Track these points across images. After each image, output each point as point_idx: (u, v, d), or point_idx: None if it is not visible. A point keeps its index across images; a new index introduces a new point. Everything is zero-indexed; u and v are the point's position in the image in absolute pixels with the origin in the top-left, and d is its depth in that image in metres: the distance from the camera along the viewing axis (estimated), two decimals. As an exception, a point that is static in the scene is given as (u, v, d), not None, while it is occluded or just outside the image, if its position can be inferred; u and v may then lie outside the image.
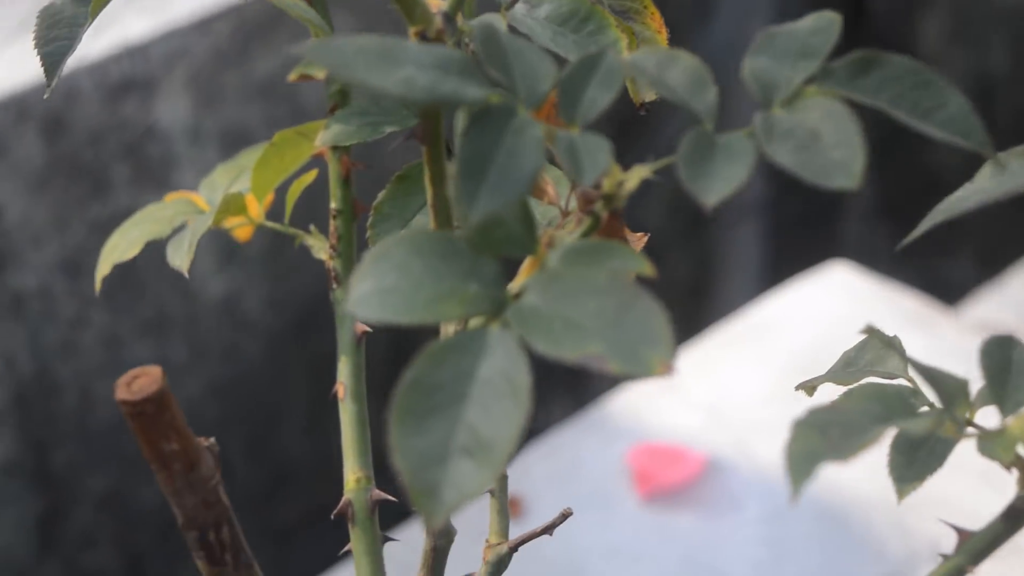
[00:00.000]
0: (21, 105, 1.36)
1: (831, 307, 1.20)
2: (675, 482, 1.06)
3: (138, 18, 1.41)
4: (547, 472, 1.09)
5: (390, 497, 0.58)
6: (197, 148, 1.44)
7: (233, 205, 0.63)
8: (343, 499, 0.58)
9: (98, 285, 0.65)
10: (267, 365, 1.59)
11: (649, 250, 0.48)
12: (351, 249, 0.61)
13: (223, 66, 1.45)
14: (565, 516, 0.55)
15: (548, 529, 0.55)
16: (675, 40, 0.53)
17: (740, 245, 1.91)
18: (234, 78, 1.46)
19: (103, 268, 0.65)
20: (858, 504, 1.04)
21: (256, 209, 0.64)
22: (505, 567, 0.56)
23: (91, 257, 1.43)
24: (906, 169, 1.92)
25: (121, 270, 1.56)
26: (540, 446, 1.12)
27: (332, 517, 0.58)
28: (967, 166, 0.53)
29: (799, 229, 1.94)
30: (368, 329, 0.60)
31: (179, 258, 0.62)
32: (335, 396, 0.61)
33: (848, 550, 1.01)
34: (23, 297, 1.41)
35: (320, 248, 0.62)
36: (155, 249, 1.58)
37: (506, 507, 0.56)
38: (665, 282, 1.93)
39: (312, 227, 0.63)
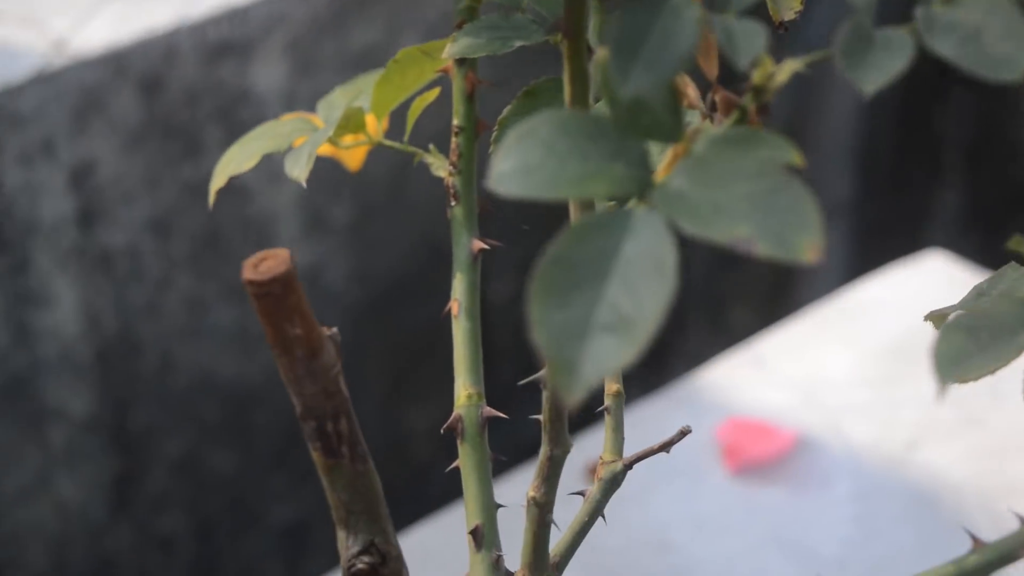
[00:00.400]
0: (120, 63, 1.37)
1: (926, 293, 1.18)
2: (764, 457, 1.05)
3: (240, -20, 1.42)
4: (636, 443, 1.08)
5: (501, 414, 0.57)
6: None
7: (353, 121, 0.63)
8: (453, 414, 0.57)
9: (212, 198, 0.64)
10: (345, 340, 1.58)
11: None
12: (471, 167, 0.60)
13: (320, 34, 1.45)
14: (684, 433, 0.54)
15: (666, 446, 0.54)
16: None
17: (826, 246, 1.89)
18: (330, 47, 1.46)
19: (218, 180, 0.64)
20: (950, 487, 1.03)
21: (375, 128, 0.64)
22: (618, 485, 0.56)
23: (180, 218, 1.43)
24: (993, 180, 1.90)
25: (208, 234, 1.55)
26: (629, 416, 1.10)
27: (442, 431, 0.57)
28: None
29: (885, 234, 1.93)
30: (484, 247, 0.60)
31: (297, 169, 0.61)
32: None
33: (937, 533, 1.00)
34: (111, 254, 1.41)
35: (439, 166, 0.61)
36: (241, 214, 1.57)
37: (621, 424, 0.56)
38: (747, 277, 1.92)
39: (431, 146, 0.62)
